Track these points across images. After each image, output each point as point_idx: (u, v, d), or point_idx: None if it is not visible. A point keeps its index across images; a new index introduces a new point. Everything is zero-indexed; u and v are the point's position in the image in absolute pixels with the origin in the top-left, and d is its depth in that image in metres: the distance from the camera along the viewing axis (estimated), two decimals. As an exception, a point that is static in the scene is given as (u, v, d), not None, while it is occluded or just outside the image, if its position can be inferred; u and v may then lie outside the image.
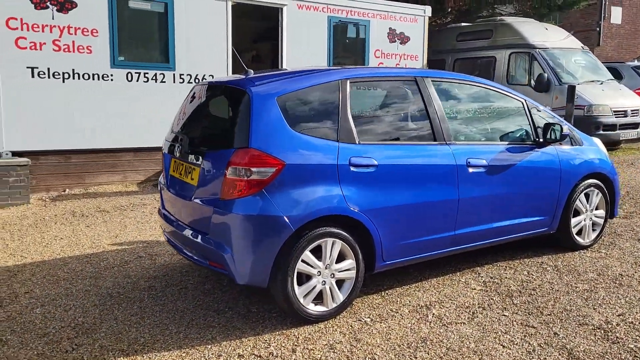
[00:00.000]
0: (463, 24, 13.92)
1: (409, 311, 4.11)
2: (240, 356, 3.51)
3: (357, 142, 3.99)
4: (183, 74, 8.98)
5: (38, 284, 4.75)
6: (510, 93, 4.96)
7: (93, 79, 8.35)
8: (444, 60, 13.48)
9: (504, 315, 4.03)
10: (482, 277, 4.76)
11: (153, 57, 8.88)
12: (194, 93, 4.49)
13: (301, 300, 3.83)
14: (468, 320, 3.95)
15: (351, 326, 3.88)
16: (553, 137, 4.83)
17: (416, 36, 11.64)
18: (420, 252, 4.37)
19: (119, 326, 3.95)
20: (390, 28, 11.26)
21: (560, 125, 4.82)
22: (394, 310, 4.13)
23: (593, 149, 5.42)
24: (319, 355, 3.49)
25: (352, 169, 3.91)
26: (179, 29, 8.87)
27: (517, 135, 4.92)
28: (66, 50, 8.12)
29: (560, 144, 5.04)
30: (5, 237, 6.20)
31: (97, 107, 8.38)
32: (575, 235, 5.30)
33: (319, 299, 3.95)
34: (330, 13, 10.41)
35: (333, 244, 3.90)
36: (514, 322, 3.91)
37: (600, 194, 5.41)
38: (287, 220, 3.67)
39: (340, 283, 4.03)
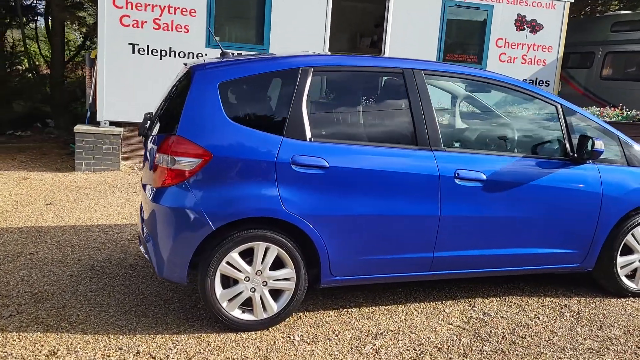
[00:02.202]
0: (622, 12, 11.98)
1: (350, 337, 3.59)
2: (137, 353, 3.34)
3: (307, 139, 3.54)
4: (275, 56, 8.92)
5: (47, 246, 5.05)
6: (540, 95, 4.04)
7: (188, 57, 8.67)
8: (593, 53, 11.76)
9: (455, 362, 3.33)
10: (474, 310, 4.00)
11: (247, 38, 8.97)
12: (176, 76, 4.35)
13: (223, 304, 3.53)
14: (407, 360, 3.34)
15: (273, 342, 3.50)
16: (585, 152, 3.85)
17: (552, 24, 10.27)
18: (385, 272, 3.79)
19: (70, 300, 4.01)
20: (519, 14, 10.07)
21: (592, 139, 3.81)
22: (337, 332, 3.64)
23: None
24: (210, 369, 3.19)
25: (294, 168, 3.48)
26: (275, 11, 8.82)
27: (541, 146, 4.02)
28: (165, 28, 8.53)
29: (603, 162, 4.01)
30: (70, 198, 6.73)
31: (188, 85, 8.68)
32: (622, 278, 4.22)
33: (251, 306, 3.62)
34: (445, -4, 9.60)
35: (267, 249, 3.53)
36: (457, 374, 3.21)
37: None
38: (207, 217, 3.39)
39: (278, 293, 3.65)
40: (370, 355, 3.38)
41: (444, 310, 4.00)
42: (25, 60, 12.47)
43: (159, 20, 8.49)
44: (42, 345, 3.40)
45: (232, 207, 3.43)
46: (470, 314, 3.96)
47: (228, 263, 3.50)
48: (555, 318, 3.93)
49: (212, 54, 8.67)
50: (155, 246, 3.52)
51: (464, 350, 3.46)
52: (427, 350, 3.45)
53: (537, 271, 4.11)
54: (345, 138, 3.66)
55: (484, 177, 3.77)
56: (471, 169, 3.75)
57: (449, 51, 9.85)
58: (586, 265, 4.15)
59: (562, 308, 4.09)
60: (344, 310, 3.96)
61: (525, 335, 3.68)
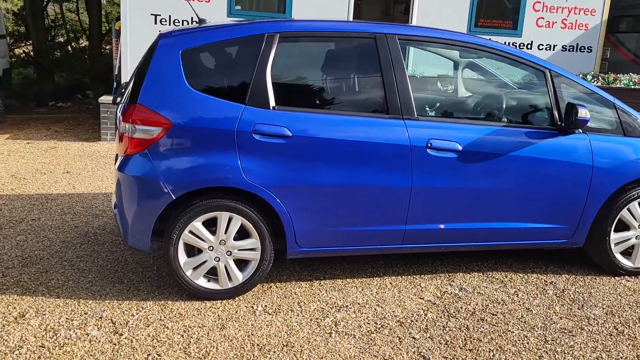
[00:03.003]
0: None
1: (314, 309, 3.54)
2: (100, 318, 3.41)
3: (271, 108, 3.46)
4: (296, 24, 8.80)
5: (50, 213, 5.22)
6: (527, 59, 3.78)
7: (209, 26, 8.65)
8: (644, 16, 10.97)
9: (413, 338, 3.22)
10: (451, 285, 3.86)
11: (269, 6, 8.87)
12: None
13: (187, 273, 3.55)
14: (363, 334, 3.26)
15: (235, 312, 3.50)
16: (570, 120, 3.59)
17: (595, -15, 9.63)
18: (354, 244, 3.70)
19: (55, 265, 4.13)
20: (558, -25, 9.49)
21: (577, 107, 3.54)
22: (302, 303, 3.60)
23: None
24: (164, 338, 3.21)
25: (256, 137, 3.42)
26: (296, -23, 8.66)
27: (527, 115, 3.78)
28: (186, -2, 8.52)
29: (596, 132, 3.73)
30: (88, 167, 6.93)
31: (210, 55, 8.70)
32: (616, 255, 3.96)
33: (216, 275, 3.62)
34: (476, -43, 9.13)
35: (230, 219, 3.51)
36: (409, 350, 3.11)
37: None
38: (167, 186, 3.39)
39: (244, 263, 3.64)
40: (328, 327, 3.32)
41: (420, 285, 3.88)
42: (65, 32, 12.82)
43: (181, -11, 8.48)
44: (14, 308, 3.52)
45: (192, 176, 3.41)
46: (446, 288, 3.82)
47: (191, 232, 3.50)
48: (535, 295, 3.75)
49: (234, 23, 8.63)
50: (121, 214, 3.56)
51: (426, 326, 3.35)
52: (388, 324, 3.37)
53: (521, 246, 3.92)
54: (312, 106, 3.56)
55: (459, 147, 3.58)
56: (445, 139, 3.58)
57: (481, 16, 9.42)
58: (575, 241, 3.92)
59: (546, 285, 3.89)
60: (317, 281, 3.91)
61: (497, 312, 3.52)
